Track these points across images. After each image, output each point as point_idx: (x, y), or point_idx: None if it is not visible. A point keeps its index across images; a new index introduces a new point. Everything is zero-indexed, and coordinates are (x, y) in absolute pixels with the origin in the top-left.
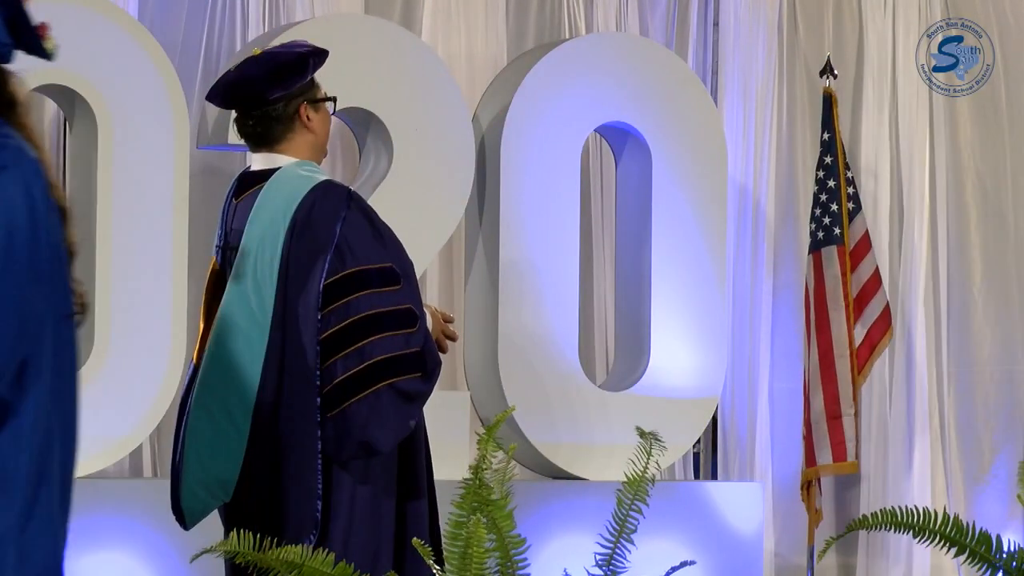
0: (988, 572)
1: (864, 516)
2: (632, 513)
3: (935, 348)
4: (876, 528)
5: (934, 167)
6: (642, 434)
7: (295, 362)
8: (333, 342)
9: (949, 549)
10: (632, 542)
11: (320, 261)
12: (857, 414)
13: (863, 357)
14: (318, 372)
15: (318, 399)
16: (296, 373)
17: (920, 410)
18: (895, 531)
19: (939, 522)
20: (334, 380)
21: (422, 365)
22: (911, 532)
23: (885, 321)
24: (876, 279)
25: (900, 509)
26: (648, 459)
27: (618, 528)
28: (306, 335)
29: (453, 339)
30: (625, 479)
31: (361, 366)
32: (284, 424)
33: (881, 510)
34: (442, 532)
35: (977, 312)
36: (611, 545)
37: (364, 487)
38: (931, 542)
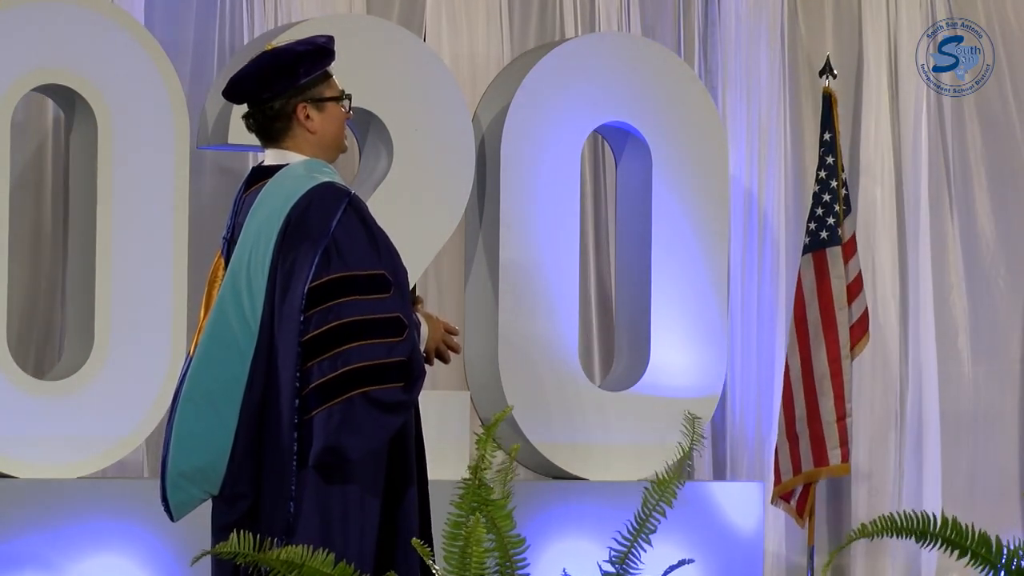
0: (990, 574)
1: (863, 525)
2: (654, 514)
3: (938, 347)
4: (877, 536)
5: (934, 167)
6: (690, 420)
7: (279, 363)
8: (313, 346)
9: (951, 552)
10: (649, 542)
11: (308, 262)
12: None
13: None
14: (297, 374)
15: (296, 401)
16: (279, 374)
17: (926, 408)
18: (896, 537)
19: (939, 526)
20: (310, 384)
21: (405, 375)
22: (912, 537)
23: (862, 326)
24: (858, 282)
25: (899, 515)
26: (692, 440)
27: (638, 527)
28: (289, 336)
29: (455, 350)
30: (655, 478)
31: (336, 372)
32: (266, 424)
33: (880, 517)
34: (441, 531)
35: (981, 310)
36: (628, 543)
37: (343, 489)
38: (932, 546)
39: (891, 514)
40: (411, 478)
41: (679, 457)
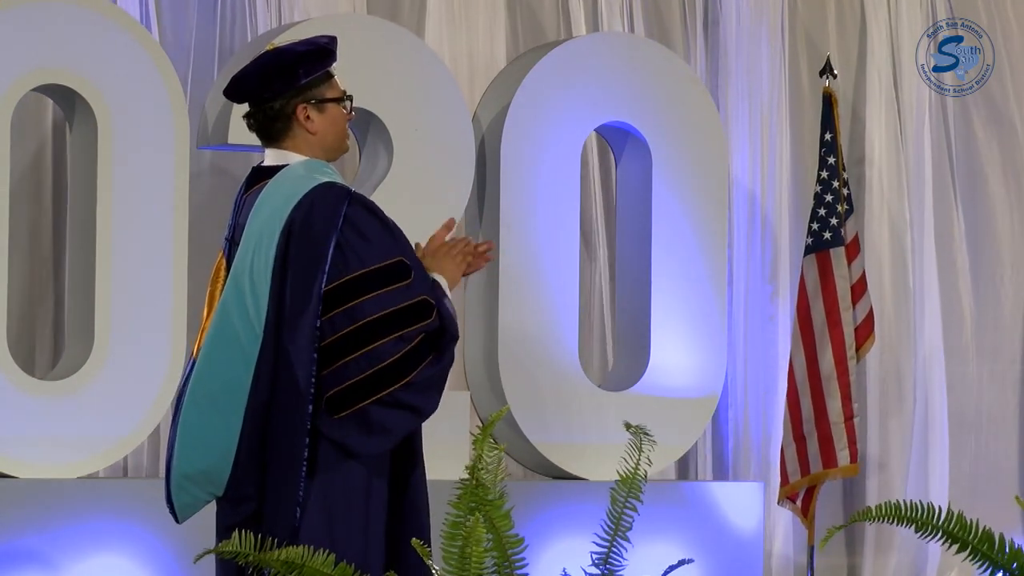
0: (990, 571)
1: (868, 508)
2: (627, 511)
3: (945, 347)
4: (880, 521)
5: (938, 167)
6: (629, 427)
7: (287, 369)
8: (340, 346)
9: (952, 546)
10: (628, 540)
11: (320, 266)
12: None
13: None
14: (312, 381)
15: (310, 407)
16: (288, 380)
17: (932, 407)
18: (898, 524)
19: (943, 518)
20: (346, 382)
21: (434, 346)
22: (914, 527)
23: (868, 326)
24: (863, 283)
25: (904, 503)
26: (640, 454)
27: (613, 527)
28: (301, 343)
29: (485, 253)
30: (618, 477)
31: (371, 371)
32: (273, 429)
33: (885, 503)
34: (440, 531)
35: (985, 310)
36: (607, 544)
37: (346, 491)
38: (934, 538)
39: (897, 501)
40: (418, 470)
41: (642, 457)
